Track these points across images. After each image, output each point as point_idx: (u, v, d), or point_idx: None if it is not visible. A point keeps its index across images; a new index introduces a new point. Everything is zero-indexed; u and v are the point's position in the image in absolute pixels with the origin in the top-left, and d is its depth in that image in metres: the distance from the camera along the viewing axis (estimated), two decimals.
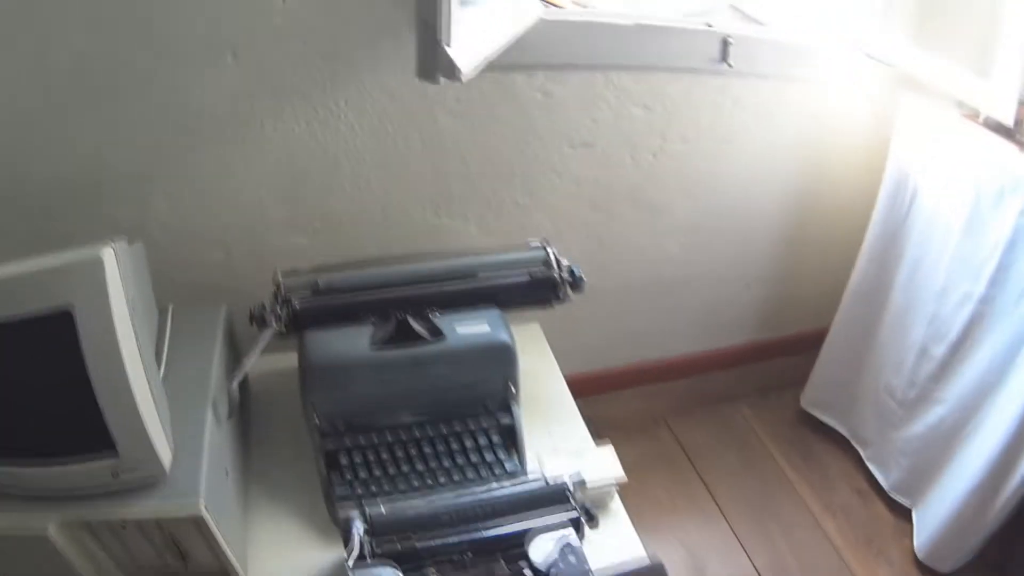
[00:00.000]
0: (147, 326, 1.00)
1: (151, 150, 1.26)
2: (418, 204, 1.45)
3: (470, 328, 1.18)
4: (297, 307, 1.18)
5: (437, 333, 1.17)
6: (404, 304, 1.20)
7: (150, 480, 0.87)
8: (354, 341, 1.15)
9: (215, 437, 1.00)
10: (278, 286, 1.21)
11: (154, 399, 0.86)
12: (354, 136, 1.34)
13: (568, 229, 1.58)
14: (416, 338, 1.17)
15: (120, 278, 0.80)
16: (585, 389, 1.39)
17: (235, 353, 1.22)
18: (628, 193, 1.59)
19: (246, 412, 1.28)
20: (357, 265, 1.25)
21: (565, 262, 1.27)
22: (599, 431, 1.24)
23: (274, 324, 1.16)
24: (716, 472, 1.72)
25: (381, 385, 1.15)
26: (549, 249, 1.29)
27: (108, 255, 0.79)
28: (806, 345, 1.81)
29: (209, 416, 1.00)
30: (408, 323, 1.18)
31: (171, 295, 1.12)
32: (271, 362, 1.23)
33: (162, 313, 1.12)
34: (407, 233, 1.46)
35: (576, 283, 1.26)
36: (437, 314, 1.20)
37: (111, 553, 0.91)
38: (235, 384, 1.10)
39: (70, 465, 0.83)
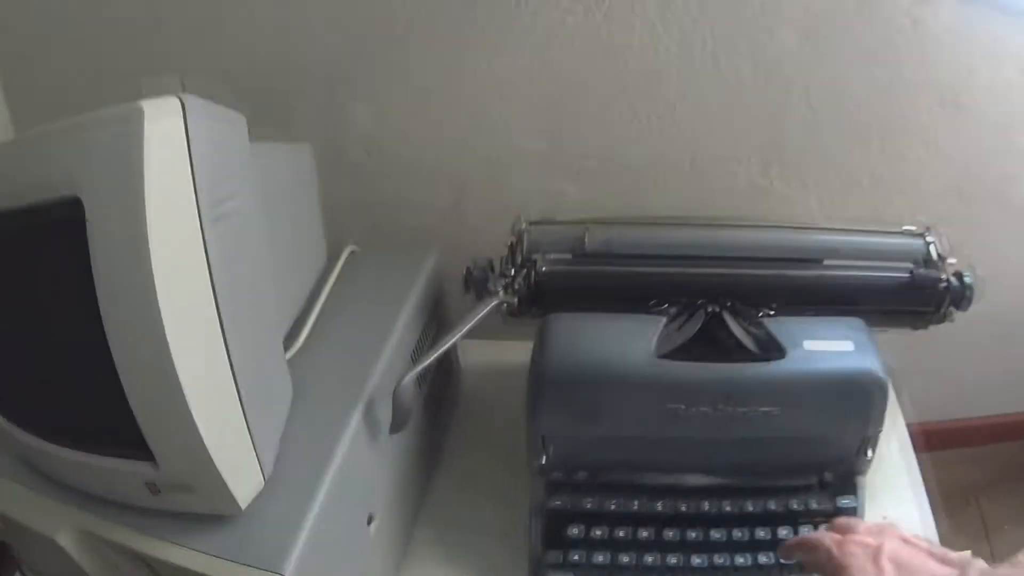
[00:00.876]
0: (284, 269, 0.70)
1: (347, 34, 0.91)
2: (741, 156, 0.99)
3: (824, 345, 0.71)
4: (543, 271, 0.77)
5: (771, 346, 0.70)
6: (718, 291, 0.74)
7: (213, 511, 0.56)
8: (629, 339, 0.70)
9: (357, 460, 0.64)
10: (519, 238, 0.80)
11: (237, 387, 0.53)
12: (654, 41, 0.90)
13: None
14: (733, 349, 0.72)
15: (188, 157, 0.48)
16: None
17: (436, 330, 0.83)
18: (1000, 187, 1.07)
19: (441, 421, 0.88)
20: (645, 223, 0.83)
21: (952, 260, 0.79)
22: None
23: (500, 292, 0.76)
24: None
25: (664, 420, 0.69)
26: (931, 240, 0.80)
27: (158, 111, 0.46)
28: None
29: (353, 425, 0.64)
30: (724, 321, 0.73)
31: (368, 241, 0.85)
32: (499, 352, 0.84)
33: (333, 258, 0.82)
34: (720, 195, 1.01)
35: (963, 295, 0.76)
36: (771, 314, 0.75)
37: None
38: (410, 379, 0.68)
39: (101, 457, 0.55)
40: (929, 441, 1.13)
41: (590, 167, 0.99)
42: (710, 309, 0.74)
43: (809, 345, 0.70)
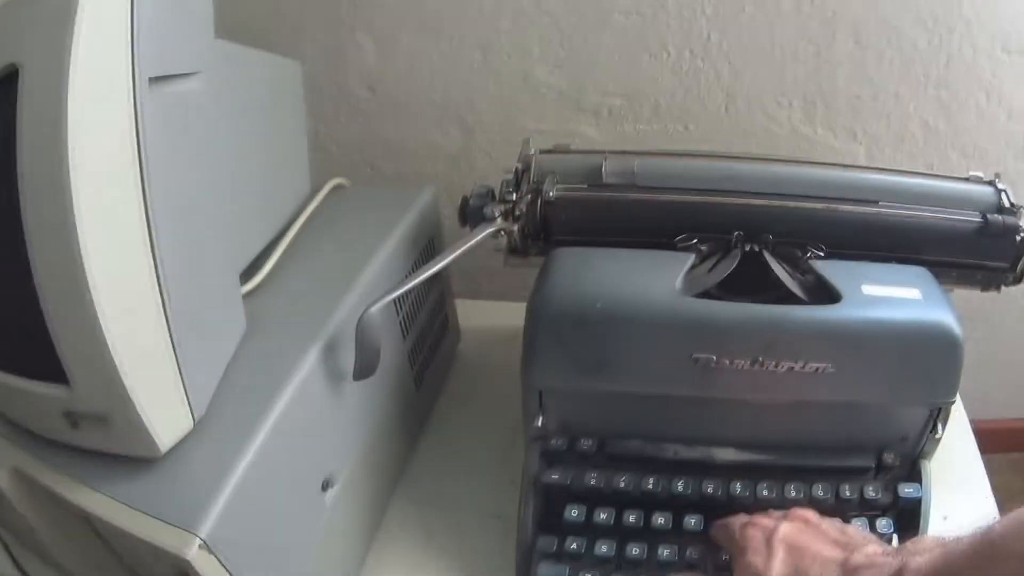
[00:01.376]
0: (252, 190, 0.61)
1: None
2: (782, 99, 0.87)
3: (887, 291, 0.59)
4: (551, 196, 0.65)
5: (823, 291, 0.57)
6: (758, 225, 0.62)
7: (130, 452, 0.46)
8: (649, 275, 0.58)
9: (310, 410, 0.53)
10: (526, 164, 0.68)
11: (165, 306, 0.44)
12: None
13: None
14: (777, 289, 0.60)
15: (130, 15, 0.41)
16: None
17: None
18: None
19: (431, 383, 0.76)
20: (674, 154, 0.71)
21: None
22: None
23: (499, 219, 0.64)
24: None
25: (689, 375, 0.56)
26: (1003, 188, 0.67)
27: None
28: None
29: (307, 367, 0.53)
30: (764, 260, 0.60)
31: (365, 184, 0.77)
32: (502, 314, 0.72)
33: (316, 191, 0.73)
34: (759, 142, 0.89)
35: None
36: (820, 255, 0.63)
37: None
38: (378, 309, 0.55)
39: (18, 378, 0.46)
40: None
41: (614, 107, 0.87)
42: (748, 247, 0.62)
43: (869, 290, 0.57)
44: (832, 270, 0.59)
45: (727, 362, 0.56)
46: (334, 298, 0.58)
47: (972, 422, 0.73)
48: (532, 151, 0.68)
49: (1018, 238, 0.64)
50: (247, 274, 0.60)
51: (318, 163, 0.79)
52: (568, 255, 0.61)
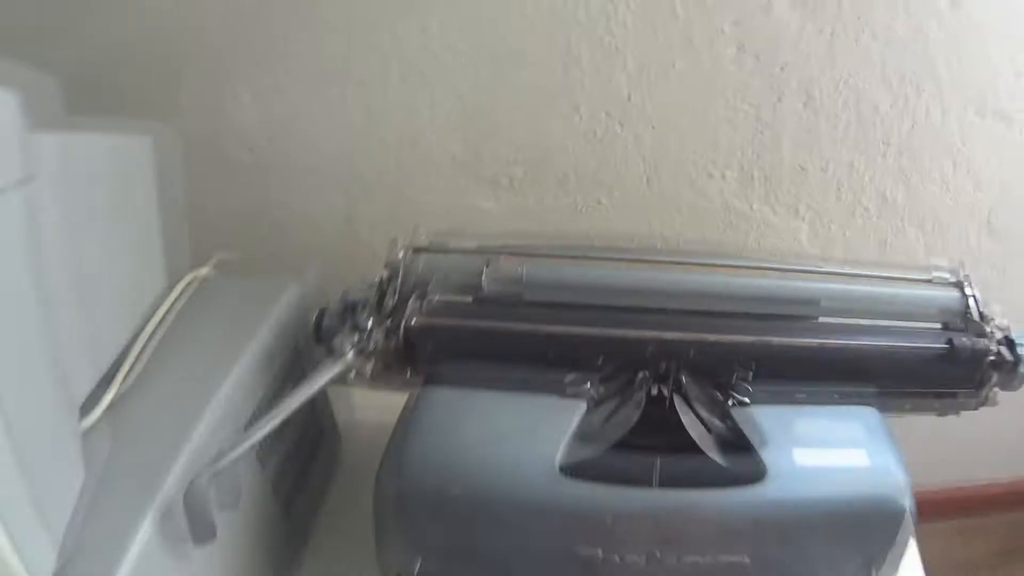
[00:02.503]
0: (91, 302, 0.50)
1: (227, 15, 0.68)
2: (714, 170, 0.74)
3: (822, 456, 0.47)
4: (413, 325, 0.53)
5: (744, 456, 0.46)
6: (672, 357, 0.50)
7: None
8: (527, 439, 0.46)
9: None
10: (393, 270, 0.56)
11: None
12: (613, 11, 0.67)
13: (947, 261, 0.84)
14: (687, 450, 0.47)
15: None
16: None
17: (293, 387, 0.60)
18: None
19: (306, 501, 0.64)
20: (573, 255, 0.58)
21: (999, 321, 0.55)
22: None
23: (349, 354, 0.51)
24: None
25: (576, 570, 0.45)
26: (969, 292, 0.57)
27: None
28: None
29: (146, 532, 0.42)
30: (677, 410, 0.48)
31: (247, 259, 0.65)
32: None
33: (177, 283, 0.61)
34: (686, 221, 0.77)
35: (1016, 372, 0.53)
36: (744, 401, 0.50)
37: None
38: (206, 479, 0.44)
39: None
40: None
41: (515, 176, 0.75)
42: (655, 390, 0.50)
43: (801, 457, 0.46)
44: (757, 423, 0.47)
45: (616, 558, 0.44)
46: (175, 442, 0.47)
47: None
48: (399, 252, 0.56)
49: (988, 360, 0.53)
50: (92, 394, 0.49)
51: (200, 236, 0.70)
52: (433, 404, 0.49)
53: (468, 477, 0.45)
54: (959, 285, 0.57)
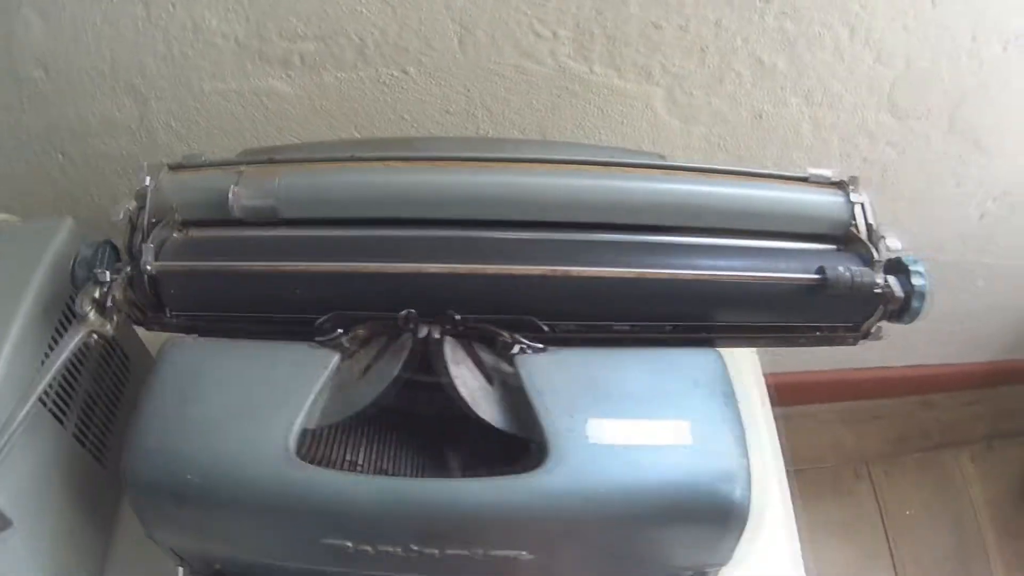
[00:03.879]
0: None
1: None
2: (541, 27, 0.61)
3: (628, 432, 0.37)
4: (150, 271, 0.41)
5: (523, 423, 0.37)
6: (439, 289, 0.40)
7: None
8: (267, 408, 0.38)
9: None
10: (140, 200, 0.44)
11: None
12: None
13: (833, 136, 0.74)
14: (453, 417, 0.38)
15: None
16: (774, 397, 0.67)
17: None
18: (950, 102, 0.74)
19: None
20: (342, 158, 0.45)
21: (892, 243, 0.44)
22: None
23: (90, 314, 0.41)
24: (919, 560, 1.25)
25: (330, 556, 0.37)
26: (858, 201, 0.46)
27: None
28: None
29: None
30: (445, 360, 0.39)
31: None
32: None
33: None
34: (510, 86, 0.64)
35: (907, 307, 0.43)
36: (537, 345, 0.40)
37: None
38: None
39: None
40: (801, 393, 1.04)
41: (307, 52, 0.61)
42: (426, 332, 0.39)
43: (596, 434, 0.36)
44: (550, 378, 0.37)
45: (369, 549, 0.35)
46: None
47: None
48: (146, 180, 0.44)
49: (875, 292, 0.43)
50: None
51: (8, 151, 0.68)
52: (174, 364, 0.41)
53: (201, 461, 0.37)
54: (843, 187, 0.46)
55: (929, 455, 1.42)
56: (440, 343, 0.38)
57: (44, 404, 0.47)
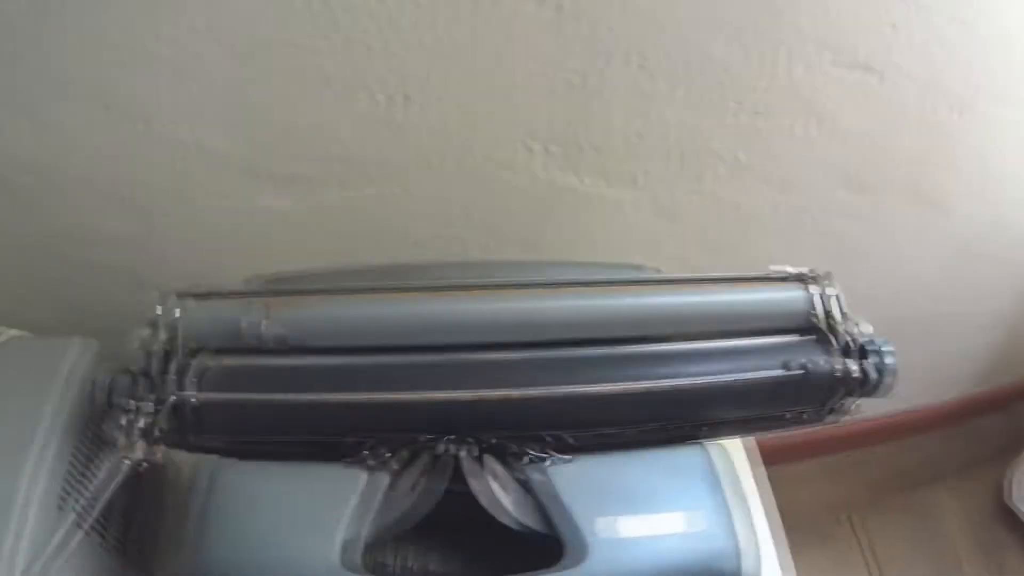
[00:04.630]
0: None
1: None
2: (534, 144, 0.65)
3: (640, 526, 0.41)
4: (194, 402, 0.44)
5: (557, 528, 0.41)
6: (462, 414, 0.44)
7: None
8: (309, 527, 0.42)
9: None
10: (169, 331, 0.47)
11: None
12: None
13: (804, 217, 0.81)
14: (486, 535, 0.42)
15: None
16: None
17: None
18: (911, 170, 0.80)
19: (144, 536, 0.58)
20: (356, 292, 0.49)
21: (860, 328, 0.49)
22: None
23: (135, 442, 0.44)
24: None
25: None
26: (820, 292, 0.50)
27: None
28: None
29: None
30: (471, 485, 0.42)
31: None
32: None
33: None
34: (503, 202, 0.68)
35: (877, 381, 0.48)
36: (560, 448, 0.44)
37: None
38: None
39: None
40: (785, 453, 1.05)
41: (299, 173, 0.65)
42: (453, 450, 0.43)
43: (616, 529, 0.40)
44: (571, 485, 0.42)
45: None
46: None
47: None
48: (159, 310, 0.47)
49: (838, 381, 0.47)
50: None
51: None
52: (226, 485, 0.44)
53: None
54: (802, 280, 0.51)
55: (908, 493, 1.44)
56: (467, 460, 0.43)
57: (80, 526, 0.48)
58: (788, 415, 0.49)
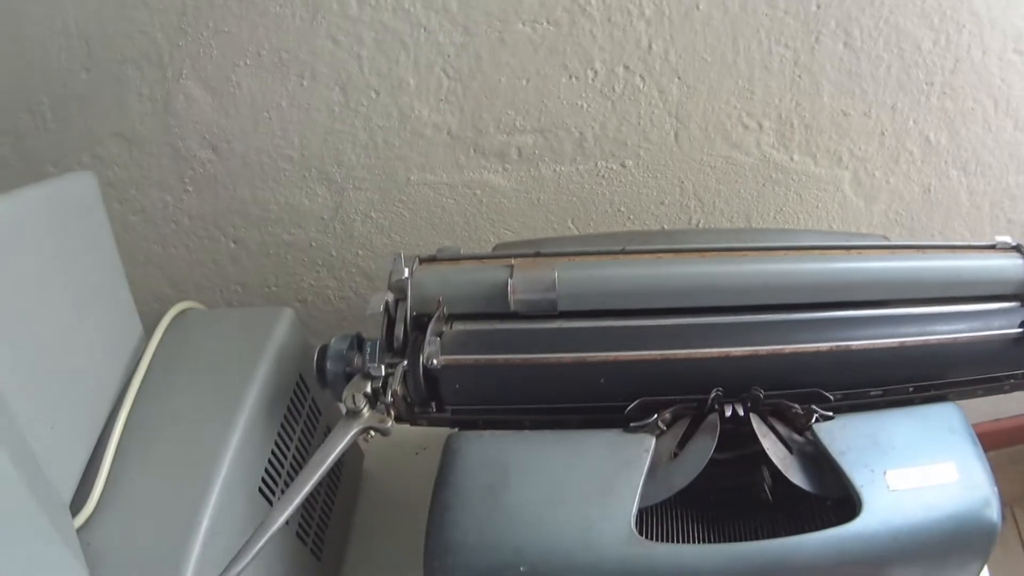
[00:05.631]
0: (63, 375, 0.45)
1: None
2: (750, 120, 0.66)
3: (917, 476, 0.42)
4: (435, 365, 0.44)
5: (830, 479, 0.41)
6: (741, 376, 0.43)
7: None
8: (595, 492, 0.41)
9: None
10: (399, 292, 0.48)
11: None
12: None
13: (988, 203, 0.77)
14: (767, 480, 0.43)
15: None
16: None
17: (308, 429, 0.54)
18: None
19: (336, 534, 0.59)
20: (606, 251, 0.49)
21: None
22: None
23: (364, 411, 0.43)
24: None
25: None
26: None
27: None
28: None
29: None
30: (756, 432, 0.42)
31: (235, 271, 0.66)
32: None
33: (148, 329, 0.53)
34: (720, 177, 0.68)
35: None
36: (827, 414, 0.43)
37: None
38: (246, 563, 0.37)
39: None
40: None
41: (525, 145, 0.66)
42: (730, 410, 0.43)
43: (896, 480, 0.41)
44: (843, 441, 0.42)
45: None
46: (188, 523, 0.41)
47: None
48: (404, 272, 0.47)
49: None
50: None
51: (166, 235, 0.66)
52: (471, 457, 0.43)
53: (531, 550, 0.39)
54: (1020, 251, 0.51)
55: None
56: (747, 419, 0.43)
57: (273, 494, 0.48)
58: (1012, 380, 0.49)
